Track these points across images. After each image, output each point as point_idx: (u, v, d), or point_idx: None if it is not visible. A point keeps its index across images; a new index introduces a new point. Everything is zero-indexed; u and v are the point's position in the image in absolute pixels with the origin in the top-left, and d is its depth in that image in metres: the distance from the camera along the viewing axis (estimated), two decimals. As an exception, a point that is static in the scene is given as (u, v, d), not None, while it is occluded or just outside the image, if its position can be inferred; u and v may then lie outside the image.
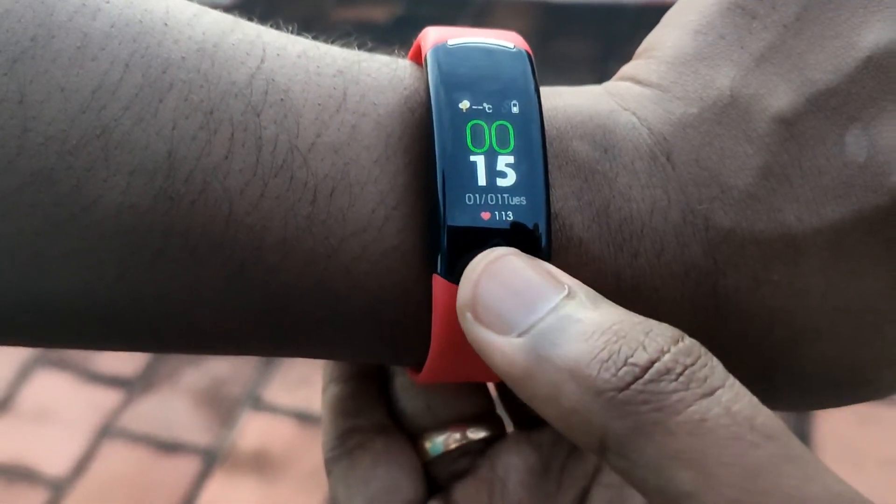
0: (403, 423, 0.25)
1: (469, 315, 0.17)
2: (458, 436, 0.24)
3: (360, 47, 0.21)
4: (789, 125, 0.19)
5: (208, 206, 0.18)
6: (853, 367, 0.21)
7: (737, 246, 0.19)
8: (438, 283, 0.19)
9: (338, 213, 0.18)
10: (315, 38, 0.21)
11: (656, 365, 0.16)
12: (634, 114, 0.20)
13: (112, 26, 0.18)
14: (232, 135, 0.18)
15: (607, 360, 0.16)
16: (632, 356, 0.16)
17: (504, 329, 0.17)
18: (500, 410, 0.25)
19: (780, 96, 0.19)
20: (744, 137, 0.19)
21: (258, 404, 1.16)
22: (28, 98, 0.17)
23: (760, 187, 0.19)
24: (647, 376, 0.16)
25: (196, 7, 0.20)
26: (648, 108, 0.20)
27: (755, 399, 0.16)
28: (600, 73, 1.69)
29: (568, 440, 0.23)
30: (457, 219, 0.18)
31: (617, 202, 0.19)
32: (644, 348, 0.16)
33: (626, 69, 0.22)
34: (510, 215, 0.18)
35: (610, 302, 0.17)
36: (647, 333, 0.16)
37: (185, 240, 0.18)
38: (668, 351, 0.16)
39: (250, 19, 0.21)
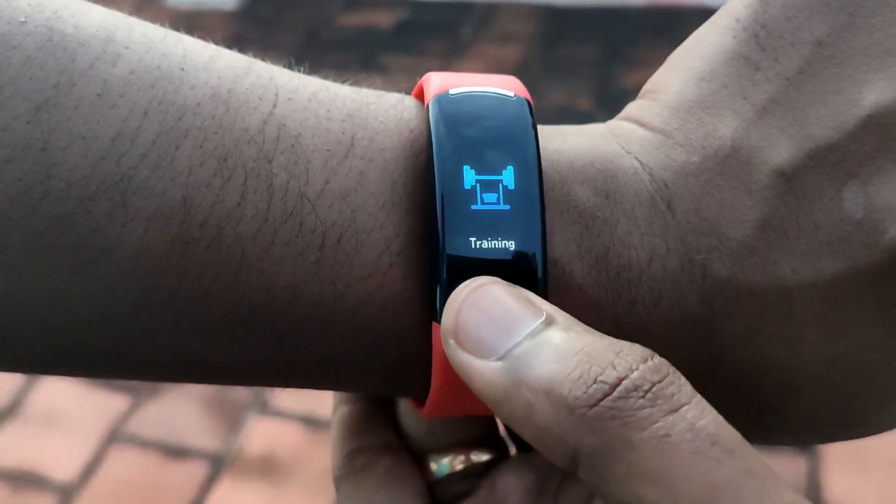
0: (409, 445, 0.25)
1: (452, 341, 0.18)
2: (462, 457, 0.25)
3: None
4: (788, 179, 0.20)
5: (222, 251, 0.18)
6: (846, 413, 0.21)
7: (733, 296, 0.20)
8: (437, 331, 0.19)
9: (344, 260, 0.19)
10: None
11: (624, 382, 0.16)
12: (637, 158, 0.21)
13: (131, 73, 0.18)
14: (245, 181, 0.18)
15: (578, 379, 0.16)
16: (602, 374, 0.16)
17: (484, 353, 0.18)
18: (504, 433, 0.26)
19: (780, 150, 0.20)
20: (743, 189, 0.20)
21: (265, 409, 1.17)
22: (51, 145, 0.17)
23: (758, 239, 0.20)
24: (615, 393, 0.16)
25: (212, 50, 0.20)
26: (651, 153, 0.21)
27: (720, 416, 0.16)
28: (604, 77, 1.69)
29: None
30: (454, 251, 0.19)
31: (616, 249, 0.20)
32: (614, 367, 0.17)
33: (631, 109, 0.22)
34: (506, 244, 0.19)
35: (586, 327, 0.18)
36: (617, 353, 0.17)
37: (199, 282, 0.18)
38: (637, 369, 0.17)
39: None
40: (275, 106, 0.19)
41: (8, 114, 0.17)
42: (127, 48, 0.19)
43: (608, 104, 1.61)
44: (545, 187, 0.20)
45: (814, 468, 1.02)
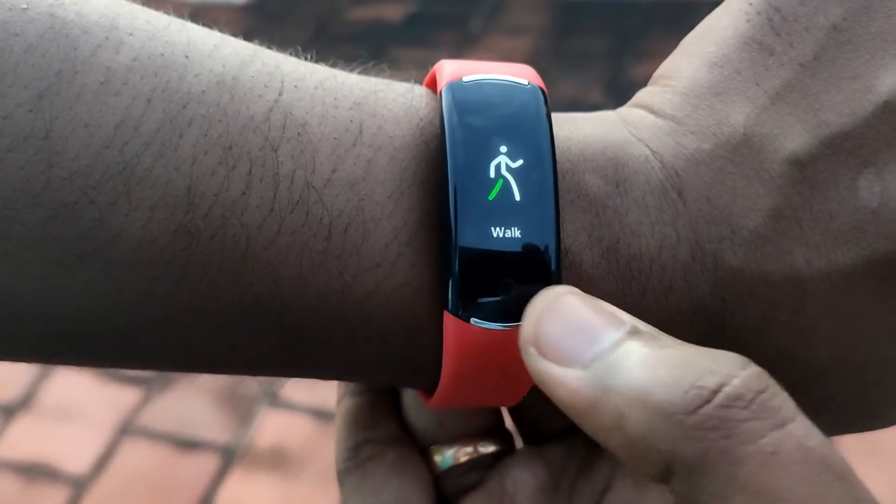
0: (414, 436, 0.25)
1: (532, 350, 0.18)
2: (468, 449, 0.25)
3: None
4: (802, 167, 0.19)
5: (227, 241, 0.18)
6: (860, 405, 0.21)
7: (745, 286, 0.19)
8: (449, 320, 0.19)
9: (352, 249, 0.19)
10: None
11: (725, 389, 0.16)
12: (647, 145, 0.20)
13: (134, 60, 0.18)
14: (250, 171, 0.18)
15: (673, 385, 0.16)
16: (699, 380, 0.16)
17: (567, 362, 0.17)
18: (510, 425, 0.26)
19: (793, 137, 0.19)
20: (756, 178, 0.19)
21: (275, 401, 1.17)
22: (53, 134, 0.17)
23: (771, 229, 0.19)
24: (716, 401, 0.15)
25: (217, 37, 0.20)
26: (661, 140, 0.20)
27: (825, 437, 0.16)
28: (614, 68, 1.69)
29: (578, 456, 0.24)
30: (467, 240, 0.18)
31: (627, 239, 0.19)
32: (711, 372, 0.16)
33: (642, 96, 0.22)
34: (519, 235, 0.19)
35: (672, 337, 0.17)
36: (713, 359, 0.16)
37: (204, 273, 0.18)
38: (737, 375, 0.16)
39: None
40: (281, 94, 0.19)
41: (10, 102, 0.17)
42: (130, 35, 0.18)
43: (619, 95, 1.60)
44: None
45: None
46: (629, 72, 1.68)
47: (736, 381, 0.16)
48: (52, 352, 0.19)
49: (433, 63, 0.21)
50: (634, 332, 0.17)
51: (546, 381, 0.17)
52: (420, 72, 0.22)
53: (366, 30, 1.81)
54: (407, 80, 0.22)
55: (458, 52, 1.75)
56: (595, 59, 1.70)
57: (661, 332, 0.17)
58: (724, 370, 0.16)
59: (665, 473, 0.16)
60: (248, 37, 0.21)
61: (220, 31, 0.21)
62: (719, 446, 0.15)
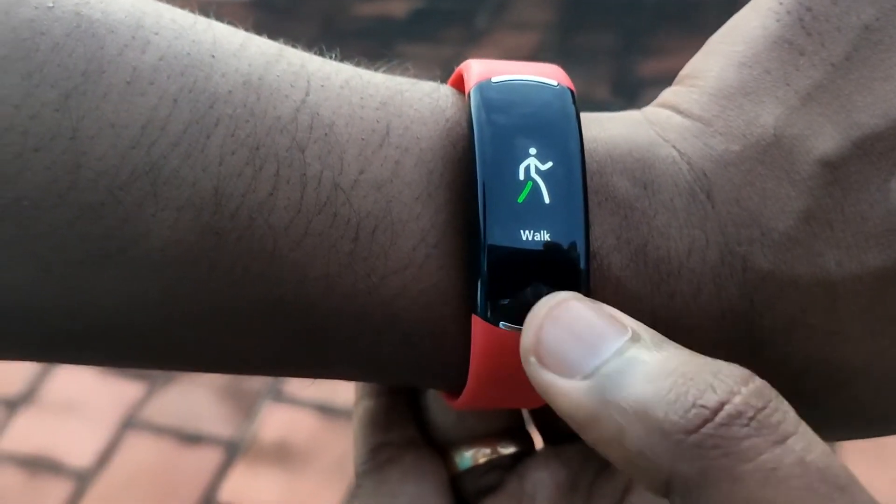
0: (433, 436, 0.25)
1: (533, 359, 0.18)
2: (487, 450, 0.24)
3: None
4: (833, 169, 0.19)
5: (253, 243, 0.18)
6: (889, 408, 0.21)
7: (775, 289, 0.19)
8: (478, 323, 0.19)
9: (379, 251, 0.19)
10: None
11: (727, 408, 0.15)
12: (674, 147, 0.20)
13: (161, 59, 0.18)
14: (277, 171, 0.18)
15: (675, 402, 0.16)
16: (701, 398, 0.16)
17: (568, 372, 0.17)
18: (530, 426, 0.25)
19: (825, 139, 0.19)
20: (786, 179, 0.19)
21: (279, 397, 1.17)
22: (80, 134, 0.17)
23: (801, 231, 0.19)
24: (717, 419, 0.15)
25: (242, 36, 0.20)
26: (689, 142, 0.20)
27: (827, 447, 0.16)
28: (621, 65, 1.68)
29: (597, 458, 0.24)
30: (496, 241, 0.18)
31: (655, 241, 0.19)
32: (713, 389, 0.16)
33: (667, 95, 0.22)
34: (548, 238, 0.18)
35: (675, 343, 0.17)
36: (715, 374, 0.16)
37: (229, 273, 0.18)
38: (739, 392, 0.16)
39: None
40: (307, 94, 0.19)
41: (36, 101, 0.17)
42: (156, 34, 0.18)
43: (625, 93, 1.60)
44: None
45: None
46: (636, 69, 1.67)
47: (737, 400, 0.16)
48: (76, 352, 0.19)
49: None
50: (637, 339, 0.17)
51: (547, 392, 0.17)
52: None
53: (372, 25, 1.81)
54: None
55: (464, 47, 1.74)
56: (602, 56, 1.70)
57: (664, 339, 0.17)
58: (725, 386, 0.16)
59: (665, 488, 0.16)
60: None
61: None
62: (719, 464, 0.15)
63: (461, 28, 1.81)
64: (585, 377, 0.17)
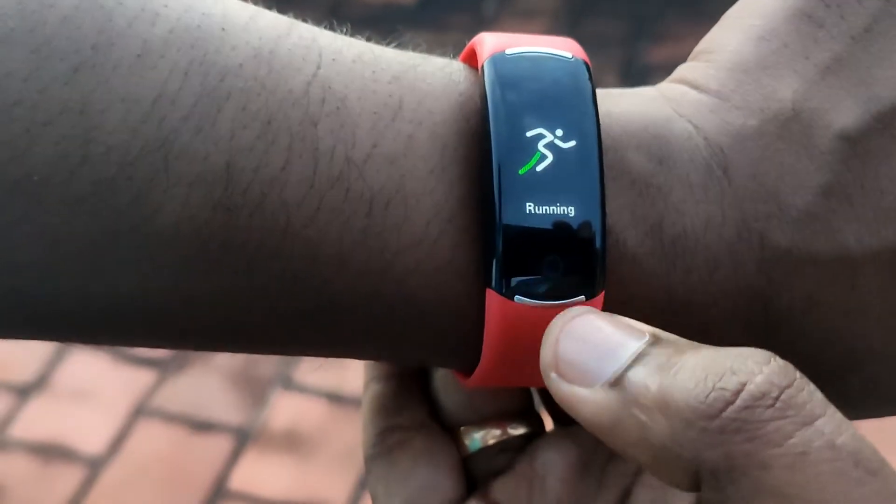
0: (443, 418, 0.25)
1: (553, 375, 0.17)
2: (497, 432, 0.24)
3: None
4: (853, 143, 0.19)
5: (266, 218, 0.18)
6: None
7: (792, 265, 0.19)
8: (493, 298, 0.19)
9: (393, 226, 0.18)
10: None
11: (748, 388, 0.15)
12: (690, 121, 0.20)
13: (171, 32, 0.18)
14: (289, 146, 0.18)
15: (694, 388, 0.15)
16: (719, 381, 0.15)
17: (589, 381, 0.17)
18: (539, 407, 0.25)
19: (844, 112, 0.19)
20: (805, 154, 0.19)
21: (289, 384, 1.17)
22: (89, 108, 0.17)
23: (820, 206, 0.19)
24: (738, 402, 0.15)
25: (252, 9, 0.19)
26: (705, 117, 0.20)
27: (855, 429, 0.15)
28: (629, 52, 1.68)
29: None
30: (511, 216, 0.18)
31: (671, 217, 0.19)
32: (732, 371, 0.15)
33: (683, 71, 0.21)
34: (563, 212, 0.18)
35: (694, 343, 0.17)
36: (734, 358, 0.16)
37: (242, 250, 0.18)
38: (760, 372, 0.15)
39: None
40: (319, 67, 0.19)
41: (45, 75, 0.17)
42: (165, 6, 0.18)
43: (634, 80, 1.59)
44: None
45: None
46: (644, 56, 1.66)
47: (759, 379, 0.15)
48: (87, 330, 0.19)
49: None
50: (655, 342, 0.17)
51: (570, 404, 0.17)
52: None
53: (379, 12, 1.80)
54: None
55: (471, 35, 1.73)
56: (610, 43, 1.69)
57: (681, 339, 0.17)
58: (745, 368, 0.15)
59: (694, 481, 0.16)
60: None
61: None
62: (744, 450, 0.15)
63: (468, 15, 1.80)
64: (605, 384, 0.17)
